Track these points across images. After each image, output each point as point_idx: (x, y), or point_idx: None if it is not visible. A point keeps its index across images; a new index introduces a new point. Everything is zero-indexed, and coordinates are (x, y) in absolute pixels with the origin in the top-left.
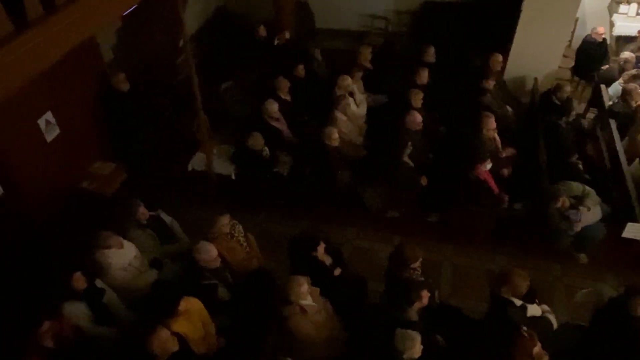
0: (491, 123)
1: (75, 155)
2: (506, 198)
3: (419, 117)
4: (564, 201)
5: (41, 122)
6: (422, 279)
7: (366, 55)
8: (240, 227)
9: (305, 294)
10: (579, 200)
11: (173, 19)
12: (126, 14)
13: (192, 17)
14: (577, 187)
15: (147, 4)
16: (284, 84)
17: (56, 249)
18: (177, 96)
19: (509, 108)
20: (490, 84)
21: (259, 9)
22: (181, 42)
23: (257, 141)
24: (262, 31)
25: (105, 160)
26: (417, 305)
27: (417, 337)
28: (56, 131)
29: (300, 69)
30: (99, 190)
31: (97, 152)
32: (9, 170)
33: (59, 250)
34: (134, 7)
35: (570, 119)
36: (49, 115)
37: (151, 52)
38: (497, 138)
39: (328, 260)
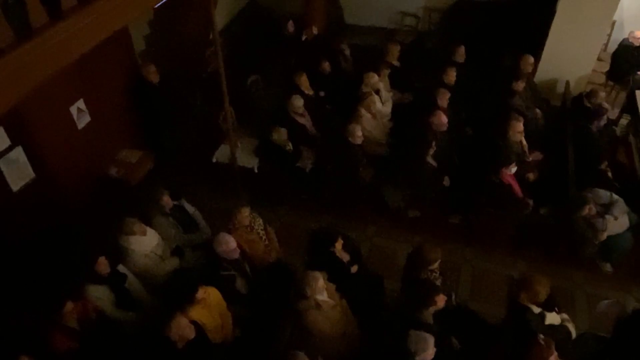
0: (518, 126)
1: (104, 143)
2: (530, 203)
3: (444, 118)
4: (590, 209)
5: (73, 110)
6: (440, 280)
7: (394, 52)
8: (261, 220)
9: (321, 289)
10: (606, 209)
11: (204, 12)
12: (158, 6)
13: (224, 10)
14: (604, 194)
15: None
16: (304, 80)
17: (83, 233)
18: (205, 88)
19: (538, 111)
20: (520, 85)
21: (289, 3)
22: (211, 35)
23: (281, 135)
24: (290, 26)
25: (133, 148)
26: (432, 308)
27: (431, 340)
28: (87, 119)
29: (326, 65)
30: (125, 178)
31: (125, 140)
32: (41, 155)
33: (86, 235)
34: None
35: (602, 123)
36: (80, 103)
37: (181, 43)
38: (524, 141)
39: (346, 257)
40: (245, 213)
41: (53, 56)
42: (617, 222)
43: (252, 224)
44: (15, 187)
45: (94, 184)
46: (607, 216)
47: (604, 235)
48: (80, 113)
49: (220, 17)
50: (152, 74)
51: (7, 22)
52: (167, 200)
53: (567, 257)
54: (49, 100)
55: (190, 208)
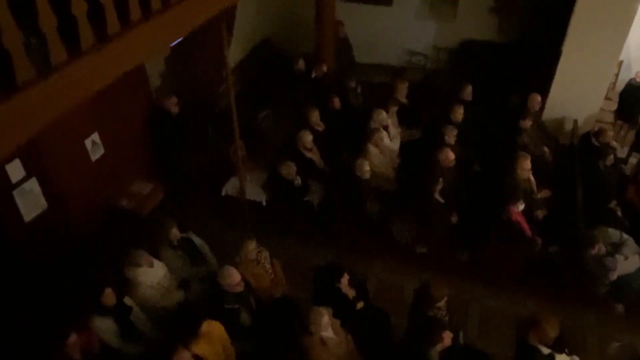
0: (526, 163)
1: (116, 175)
2: (539, 241)
3: (451, 154)
4: (600, 247)
5: (88, 143)
6: (447, 318)
7: (402, 90)
8: (267, 253)
9: (326, 326)
10: (616, 248)
11: (218, 50)
12: (174, 44)
13: (237, 48)
14: (614, 233)
15: (195, 36)
16: (315, 115)
17: (90, 264)
18: (217, 122)
19: (546, 149)
20: (528, 123)
21: (302, 42)
22: (224, 72)
23: (289, 170)
24: (301, 64)
25: (144, 181)
26: (439, 346)
27: None
28: (101, 151)
29: (336, 101)
30: (136, 209)
31: (137, 172)
32: (54, 186)
33: (93, 265)
34: (181, 38)
35: (609, 163)
36: (95, 136)
37: (195, 79)
38: (532, 179)
39: (352, 293)
40: (252, 247)
41: (71, 92)
42: (628, 262)
43: (259, 258)
44: (27, 217)
45: (105, 215)
46: (617, 255)
47: (615, 275)
48: (94, 146)
49: (234, 55)
50: (173, 106)
51: (28, 59)
52: (175, 233)
53: (578, 296)
54: (64, 133)
55: (197, 240)
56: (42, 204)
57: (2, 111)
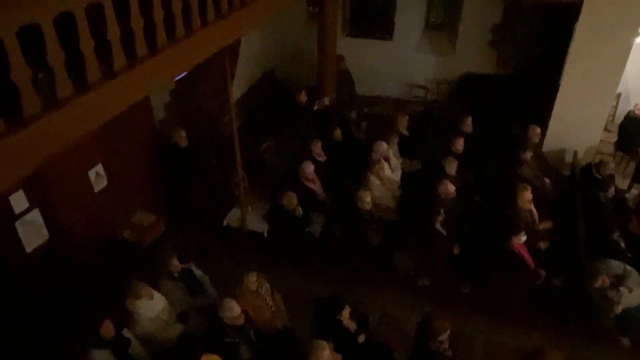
0: (527, 194)
1: (118, 206)
2: (542, 273)
3: (452, 186)
4: (603, 280)
5: (91, 174)
6: (450, 353)
7: (403, 122)
8: (268, 285)
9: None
10: (620, 280)
11: (221, 82)
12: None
13: (241, 80)
14: (617, 265)
15: (199, 68)
16: (317, 146)
17: (92, 295)
18: (220, 153)
19: (547, 180)
20: (528, 155)
21: (304, 75)
22: (227, 104)
23: (291, 200)
24: (303, 96)
25: (146, 212)
26: None
27: None
28: (104, 182)
29: (338, 133)
30: (137, 240)
31: (139, 203)
32: (56, 217)
33: (94, 297)
34: (186, 72)
35: (610, 194)
36: (99, 168)
37: (199, 111)
38: (534, 210)
39: (353, 326)
40: (253, 278)
41: (77, 124)
42: (633, 295)
43: (259, 290)
44: (29, 248)
45: (106, 246)
46: (621, 288)
47: (619, 308)
48: (98, 177)
49: (238, 87)
50: (182, 139)
51: (35, 93)
52: (175, 264)
53: (583, 329)
54: (69, 164)
55: (198, 272)
56: (44, 235)
57: (9, 144)
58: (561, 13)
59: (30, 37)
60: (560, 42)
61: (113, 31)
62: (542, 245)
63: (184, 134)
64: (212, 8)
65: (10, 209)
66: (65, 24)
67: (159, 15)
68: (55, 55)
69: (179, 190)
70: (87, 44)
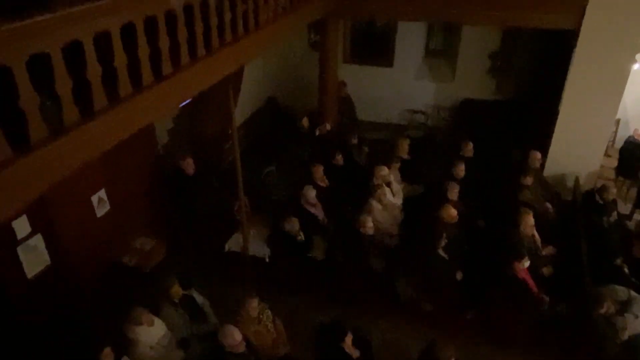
0: (529, 219)
1: (120, 231)
2: (547, 299)
3: (453, 211)
4: (608, 306)
5: (94, 199)
6: None
7: (404, 147)
8: (269, 312)
9: None
10: (625, 306)
11: (225, 108)
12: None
13: (244, 106)
14: (622, 291)
15: (203, 95)
16: (319, 171)
17: (92, 321)
18: (223, 178)
19: (549, 205)
20: (529, 180)
21: (306, 101)
22: (230, 130)
23: (293, 225)
24: (305, 122)
25: (148, 237)
26: None
27: None
28: (107, 207)
29: (339, 158)
30: (138, 265)
31: (141, 228)
32: (58, 242)
33: (95, 323)
34: (190, 99)
35: (613, 219)
36: (102, 193)
37: (202, 136)
38: (537, 235)
39: (356, 353)
40: (254, 304)
41: (82, 150)
42: (638, 321)
43: (260, 316)
44: (30, 274)
45: (107, 271)
46: (626, 314)
47: (625, 335)
48: (100, 202)
49: (240, 113)
50: (190, 167)
51: (42, 120)
52: (176, 290)
53: (589, 357)
54: (72, 189)
55: (199, 298)
56: (45, 260)
57: (15, 170)
58: (559, 39)
59: (38, 64)
60: (558, 67)
61: (120, 59)
62: (546, 270)
63: (191, 161)
64: (217, 37)
65: (12, 233)
66: (73, 51)
67: (164, 43)
68: (63, 83)
69: (181, 215)
70: (94, 71)
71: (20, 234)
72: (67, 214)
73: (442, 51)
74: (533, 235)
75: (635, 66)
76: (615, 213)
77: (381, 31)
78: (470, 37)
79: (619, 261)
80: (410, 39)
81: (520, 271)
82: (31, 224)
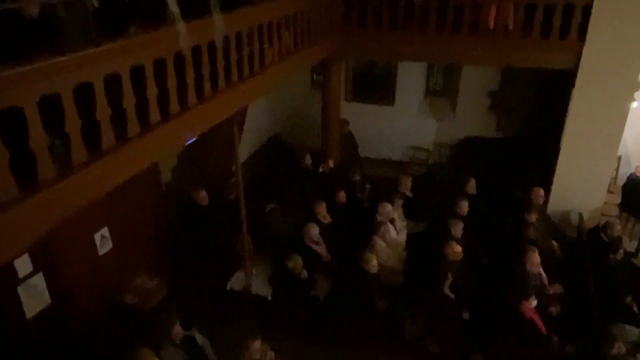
0: (535, 257)
1: (122, 269)
2: (555, 339)
3: (458, 247)
4: (620, 347)
5: (97, 237)
6: None
7: (407, 184)
8: (272, 353)
9: None
10: (636, 347)
11: (229, 145)
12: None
13: (247, 143)
14: (632, 331)
15: (208, 133)
16: (322, 208)
17: None
18: (226, 215)
19: (554, 242)
20: (533, 217)
21: (309, 138)
22: (233, 167)
23: (296, 263)
24: (308, 159)
25: (149, 275)
26: None
27: None
28: (109, 245)
29: (342, 195)
30: (139, 304)
31: (142, 267)
32: (59, 281)
33: None
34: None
35: (619, 257)
36: (105, 231)
37: (206, 172)
38: (543, 273)
39: None
40: (256, 346)
41: (89, 189)
42: None
43: (263, 358)
44: (29, 314)
45: (108, 310)
46: (638, 355)
47: None
48: (103, 240)
49: (244, 150)
50: (203, 198)
51: (51, 160)
52: (177, 330)
53: None
54: (75, 227)
55: (200, 339)
56: (45, 299)
57: (22, 209)
58: (558, 77)
59: (50, 105)
60: (558, 105)
61: (129, 100)
62: (554, 310)
63: (204, 193)
64: (223, 77)
65: (14, 272)
66: (82, 92)
67: (172, 84)
68: (72, 123)
69: (187, 250)
70: (103, 112)
71: (21, 273)
72: (70, 252)
73: (442, 90)
74: (539, 274)
75: (634, 104)
76: (621, 251)
77: (382, 70)
78: (470, 76)
79: (628, 300)
80: (411, 77)
81: (527, 310)
82: (33, 263)
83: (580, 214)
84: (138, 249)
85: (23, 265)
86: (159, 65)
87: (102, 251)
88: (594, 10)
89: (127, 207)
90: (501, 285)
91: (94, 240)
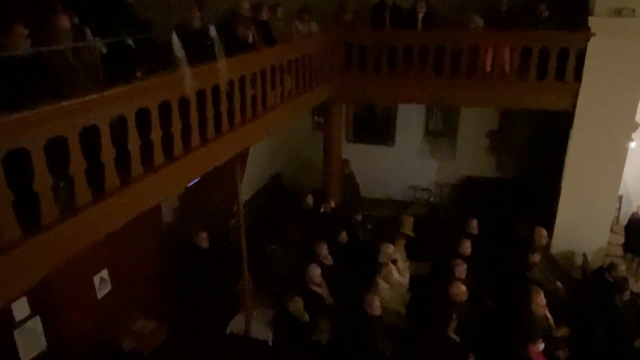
0: (540, 299)
1: (120, 312)
2: None
3: (463, 287)
4: None
5: (96, 279)
6: None
7: (409, 224)
8: None
9: None
10: None
11: (230, 186)
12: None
13: (249, 184)
14: None
15: (210, 174)
16: (324, 249)
17: None
18: (227, 257)
19: (559, 284)
20: (537, 258)
21: (310, 179)
22: (235, 207)
23: (297, 306)
24: (310, 200)
25: (148, 318)
26: None
27: None
28: (108, 288)
29: (344, 235)
30: (137, 349)
31: (141, 310)
32: (56, 325)
33: None
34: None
35: (626, 298)
36: (104, 273)
37: (207, 213)
38: (549, 315)
39: None
40: None
41: (91, 230)
42: None
43: None
44: (25, 358)
45: (105, 355)
46: None
47: None
48: (102, 282)
49: (246, 190)
50: (204, 241)
51: (54, 202)
52: None
53: None
54: (74, 269)
55: None
56: (42, 344)
57: (23, 251)
58: (556, 117)
59: (56, 147)
60: (557, 145)
61: (134, 142)
62: (562, 353)
63: (205, 235)
64: (227, 119)
65: (11, 316)
66: (86, 133)
67: (177, 126)
68: (77, 165)
69: (187, 293)
70: (108, 154)
71: (18, 316)
72: (68, 295)
73: (442, 130)
74: (545, 316)
75: (632, 144)
76: (628, 292)
77: (382, 112)
78: (469, 117)
79: (637, 343)
80: (411, 118)
81: (535, 354)
82: (30, 306)
83: (584, 255)
84: (137, 291)
85: (20, 308)
86: (164, 109)
87: (100, 294)
88: (588, 53)
89: (127, 248)
90: (507, 328)
91: (93, 282)
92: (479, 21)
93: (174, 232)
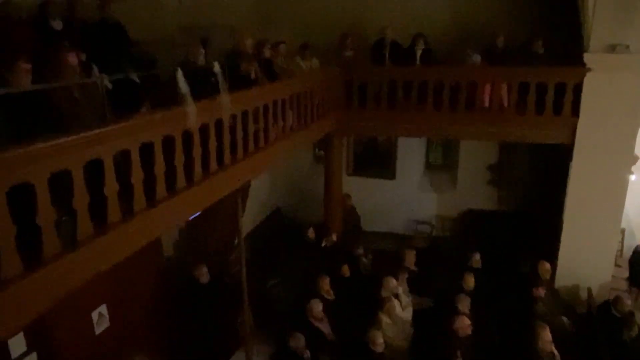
0: (546, 334)
1: (118, 349)
2: None
3: (467, 321)
4: None
5: (94, 315)
6: None
7: (411, 258)
8: None
9: None
10: None
11: (231, 219)
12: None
13: (250, 217)
14: None
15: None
16: (325, 283)
17: None
18: (227, 292)
19: (564, 319)
20: (541, 292)
21: (311, 212)
22: (236, 241)
23: (298, 342)
24: (311, 233)
25: (146, 355)
26: None
27: None
28: (106, 324)
29: (345, 269)
30: None
31: (139, 346)
32: None
33: None
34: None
35: (633, 333)
36: (103, 309)
37: (208, 247)
38: (556, 352)
39: None
40: None
41: (93, 264)
42: None
43: None
44: None
45: None
46: None
47: None
48: (100, 318)
49: (246, 224)
50: (204, 275)
51: (57, 236)
52: None
53: None
54: (72, 305)
55: None
56: None
57: (24, 285)
58: (557, 150)
59: (60, 181)
60: (558, 178)
61: (137, 175)
62: None
63: (205, 270)
64: (229, 153)
65: (7, 353)
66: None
67: (180, 160)
68: (81, 199)
69: (187, 329)
70: (111, 188)
71: (15, 353)
72: (66, 331)
73: (442, 164)
74: (552, 352)
75: (632, 177)
76: (635, 327)
77: (383, 146)
78: (469, 150)
79: None
80: (411, 152)
81: None
82: (27, 342)
83: (589, 289)
84: (136, 327)
85: (17, 344)
86: (168, 143)
87: (98, 330)
88: (584, 88)
89: (126, 283)
90: None
91: (91, 318)
92: (477, 58)
93: (174, 266)
